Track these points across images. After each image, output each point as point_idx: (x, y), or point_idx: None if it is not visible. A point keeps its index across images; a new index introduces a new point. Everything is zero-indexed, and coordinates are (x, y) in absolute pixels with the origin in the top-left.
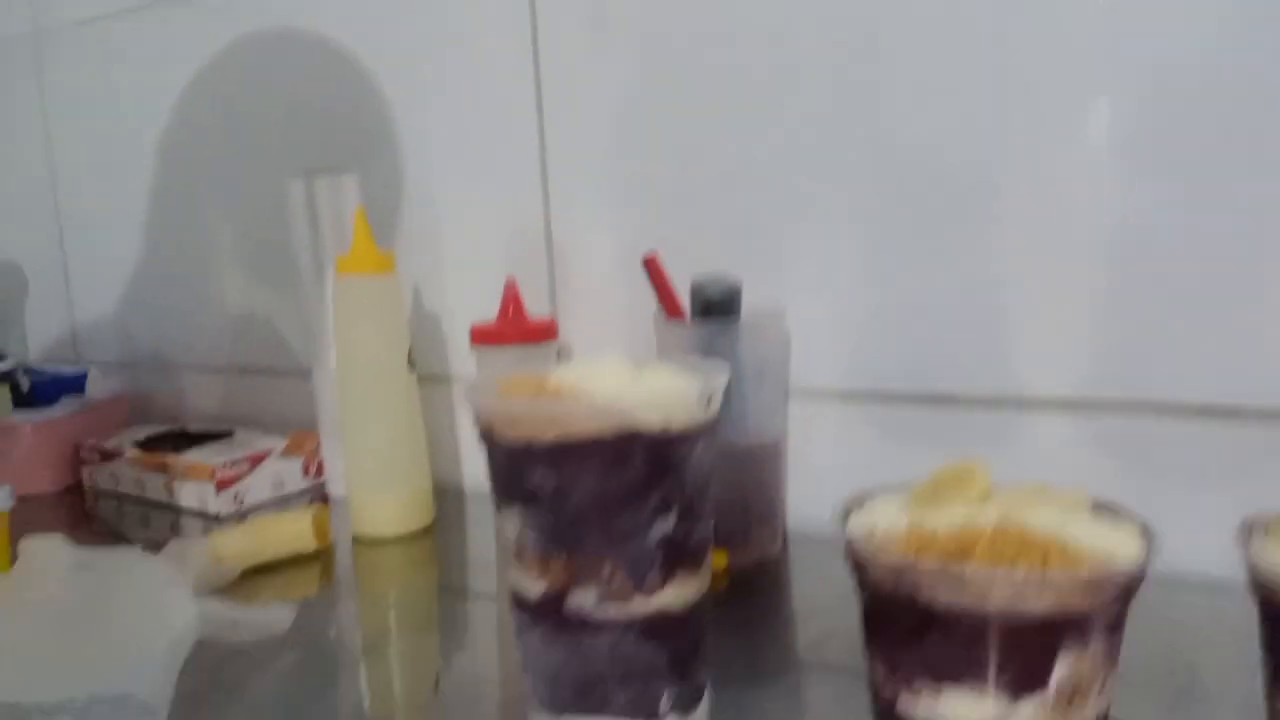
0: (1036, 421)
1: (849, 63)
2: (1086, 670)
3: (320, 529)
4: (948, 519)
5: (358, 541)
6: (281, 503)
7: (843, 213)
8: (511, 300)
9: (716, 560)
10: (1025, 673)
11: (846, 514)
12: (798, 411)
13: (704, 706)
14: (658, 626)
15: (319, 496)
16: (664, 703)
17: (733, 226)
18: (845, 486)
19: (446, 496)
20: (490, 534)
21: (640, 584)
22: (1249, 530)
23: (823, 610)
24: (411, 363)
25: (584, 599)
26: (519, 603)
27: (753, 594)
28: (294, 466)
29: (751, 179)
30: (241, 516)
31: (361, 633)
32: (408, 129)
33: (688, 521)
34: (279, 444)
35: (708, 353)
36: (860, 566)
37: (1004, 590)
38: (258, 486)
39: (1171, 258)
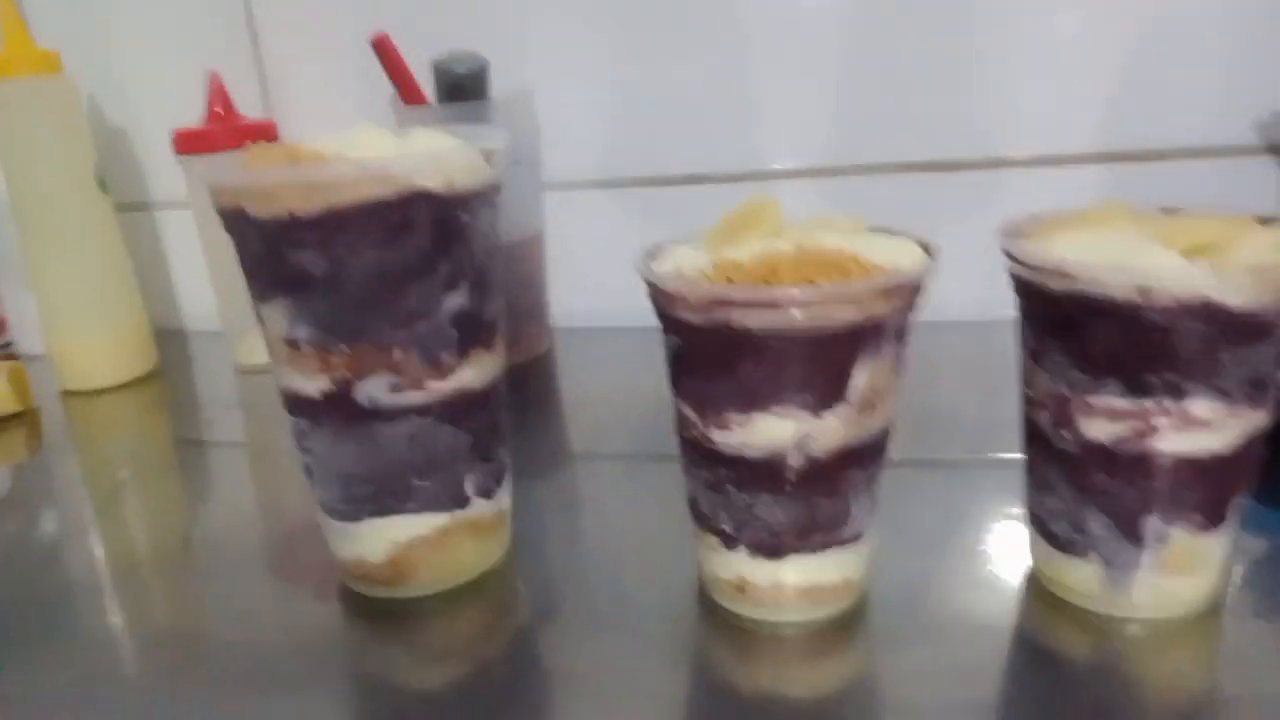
0: (782, 188)
1: None
2: (881, 378)
3: (19, 386)
4: (748, 251)
5: (69, 397)
6: None
7: None
8: (219, 98)
9: None
10: (828, 387)
11: (647, 263)
12: (553, 203)
13: (507, 483)
14: (458, 408)
15: (7, 358)
16: (468, 487)
17: (471, 5)
18: (607, 277)
19: (168, 340)
20: (227, 372)
21: (437, 366)
22: (1011, 230)
23: (594, 402)
24: (103, 184)
25: (374, 389)
26: (296, 405)
27: (525, 392)
28: None
29: None
30: None
31: (90, 489)
32: None
33: (480, 294)
34: None
35: None
36: (668, 308)
37: (812, 305)
38: None
39: (891, 50)
